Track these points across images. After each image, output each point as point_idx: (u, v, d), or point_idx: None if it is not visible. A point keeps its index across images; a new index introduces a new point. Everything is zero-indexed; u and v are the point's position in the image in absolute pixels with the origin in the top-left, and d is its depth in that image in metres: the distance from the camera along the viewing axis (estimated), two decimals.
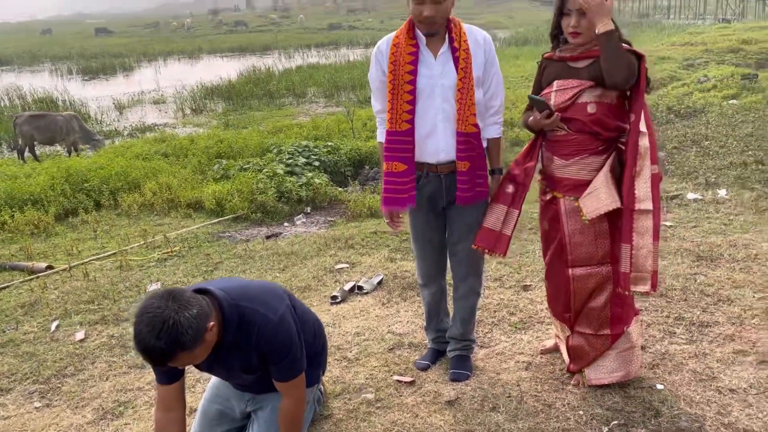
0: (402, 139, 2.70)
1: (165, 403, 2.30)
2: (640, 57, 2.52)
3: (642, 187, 2.50)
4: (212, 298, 2.14)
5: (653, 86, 13.05)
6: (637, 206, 2.50)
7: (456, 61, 2.66)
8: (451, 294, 3.10)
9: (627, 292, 2.59)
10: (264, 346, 2.19)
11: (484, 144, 2.79)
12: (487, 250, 2.82)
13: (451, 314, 3.15)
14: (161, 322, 1.90)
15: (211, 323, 2.04)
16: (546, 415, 2.67)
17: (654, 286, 2.54)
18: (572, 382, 2.87)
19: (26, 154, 10.08)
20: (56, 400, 3.18)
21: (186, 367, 2.34)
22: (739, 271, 3.84)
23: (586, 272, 2.70)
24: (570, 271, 2.73)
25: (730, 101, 10.30)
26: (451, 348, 3.12)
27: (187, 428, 2.43)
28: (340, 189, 7.38)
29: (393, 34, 2.75)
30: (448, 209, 2.85)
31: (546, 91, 2.70)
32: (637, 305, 3.45)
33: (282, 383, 2.29)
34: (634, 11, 39.91)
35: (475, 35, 2.72)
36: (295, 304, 2.43)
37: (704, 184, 5.86)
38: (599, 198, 2.56)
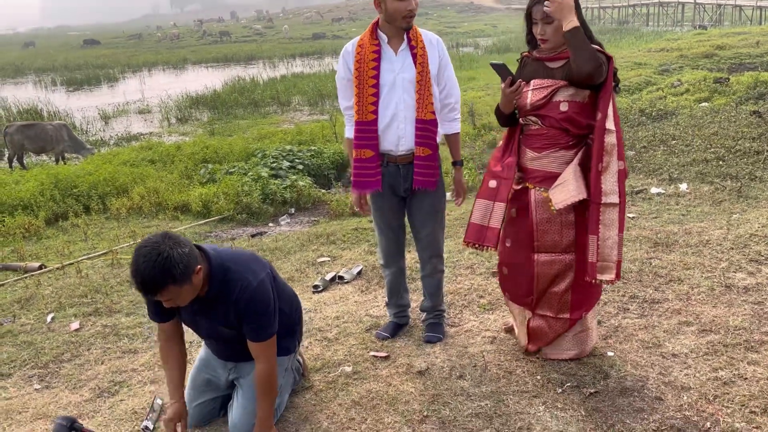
0: (368, 128, 3.03)
1: (165, 335, 2.64)
2: (609, 58, 2.71)
3: (609, 182, 2.69)
4: (203, 252, 2.43)
5: (623, 88, 13.32)
6: (604, 200, 2.69)
7: (414, 57, 2.97)
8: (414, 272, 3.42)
9: (594, 281, 2.77)
10: (242, 304, 2.44)
11: (438, 139, 3.09)
12: (476, 245, 3.02)
13: (410, 291, 3.54)
14: (157, 254, 2.18)
15: (199, 267, 2.31)
16: (507, 381, 2.93)
17: (618, 275, 2.75)
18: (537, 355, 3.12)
19: (14, 162, 10.26)
20: (55, 382, 3.40)
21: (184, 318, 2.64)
22: (691, 254, 4.14)
23: (551, 258, 2.90)
24: (535, 256, 2.93)
25: (702, 104, 10.67)
26: (424, 318, 3.49)
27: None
28: (323, 191, 7.65)
29: (357, 38, 3.08)
30: (407, 198, 3.17)
31: (524, 89, 2.86)
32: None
33: (255, 344, 2.52)
34: (614, 18, 40.71)
35: (429, 37, 3.05)
36: (275, 275, 2.69)
37: (668, 179, 6.18)
38: (568, 189, 2.73)
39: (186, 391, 2.78)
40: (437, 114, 3.07)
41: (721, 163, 6.44)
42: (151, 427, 2.78)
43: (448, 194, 3.71)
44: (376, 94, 3.00)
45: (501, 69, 2.81)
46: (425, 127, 2.99)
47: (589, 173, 2.76)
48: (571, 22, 2.61)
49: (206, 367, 2.82)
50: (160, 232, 2.28)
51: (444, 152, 3.19)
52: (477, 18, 53.75)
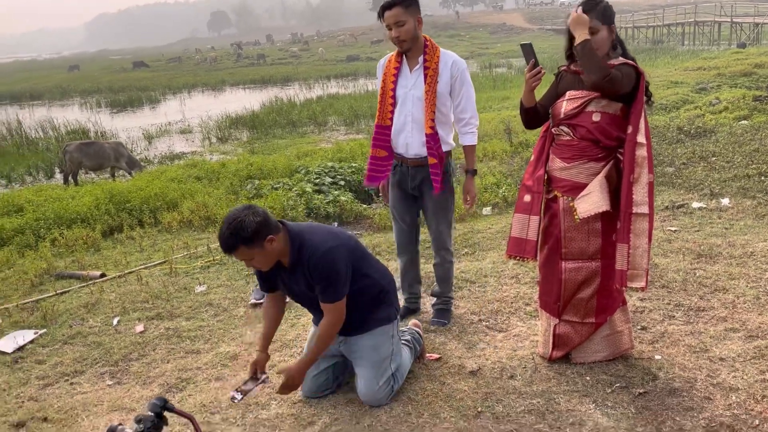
0: (385, 132, 3.52)
1: (270, 301, 3.12)
2: (639, 74, 2.83)
3: (639, 193, 2.81)
4: (285, 226, 2.77)
5: (659, 106, 13.19)
6: (635, 210, 2.81)
7: (425, 77, 3.36)
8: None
9: (624, 288, 2.89)
10: (311, 268, 2.77)
11: (446, 147, 3.47)
12: (518, 257, 3.19)
13: (422, 281, 4.10)
14: (233, 218, 2.62)
15: (272, 236, 2.64)
16: (557, 381, 3.05)
17: (647, 283, 2.86)
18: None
19: (69, 179, 10.74)
20: (125, 379, 3.62)
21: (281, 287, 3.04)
22: (736, 265, 4.21)
23: (577, 266, 3.03)
24: (563, 263, 3.06)
25: (741, 122, 10.63)
26: (434, 303, 3.90)
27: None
28: (364, 206, 7.84)
29: (390, 54, 3.53)
30: (419, 197, 3.59)
31: (559, 100, 3.04)
32: (640, 294, 3.84)
33: (323, 304, 2.85)
34: (648, 38, 40.48)
35: (446, 58, 3.42)
36: (362, 248, 2.98)
37: (709, 194, 6.23)
38: (593, 200, 2.86)
39: None
40: (449, 127, 3.50)
41: (763, 178, 6.46)
42: (238, 398, 2.87)
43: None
44: (394, 104, 3.45)
45: (527, 49, 2.94)
46: (427, 139, 3.39)
47: (617, 185, 2.89)
48: (581, 36, 2.79)
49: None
50: (244, 204, 2.66)
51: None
52: (509, 39, 53.84)
